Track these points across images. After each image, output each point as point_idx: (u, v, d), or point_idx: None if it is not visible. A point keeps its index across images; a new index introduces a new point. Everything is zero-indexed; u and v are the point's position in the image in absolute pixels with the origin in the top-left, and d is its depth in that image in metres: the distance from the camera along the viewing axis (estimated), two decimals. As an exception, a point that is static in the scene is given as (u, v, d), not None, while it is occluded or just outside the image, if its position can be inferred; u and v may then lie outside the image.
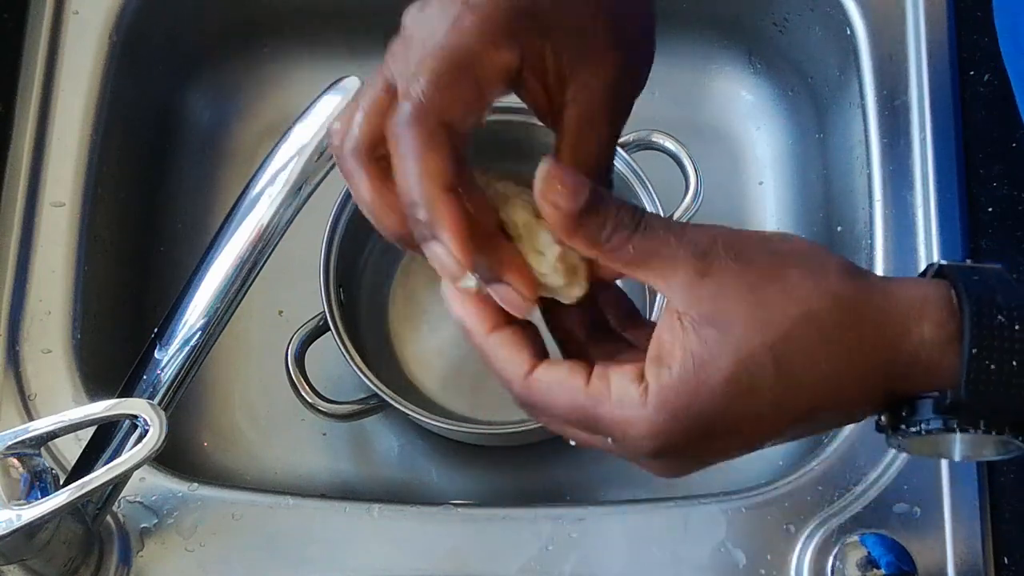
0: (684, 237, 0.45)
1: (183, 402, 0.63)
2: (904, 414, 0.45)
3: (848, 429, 0.69)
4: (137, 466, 0.53)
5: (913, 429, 0.45)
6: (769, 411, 0.44)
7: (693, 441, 0.44)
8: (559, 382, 0.46)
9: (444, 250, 0.44)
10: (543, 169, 0.45)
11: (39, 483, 0.56)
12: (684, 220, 0.78)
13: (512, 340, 0.47)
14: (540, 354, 0.47)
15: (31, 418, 0.71)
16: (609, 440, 0.46)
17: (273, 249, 0.60)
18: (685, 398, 0.43)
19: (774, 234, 0.46)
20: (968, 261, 0.48)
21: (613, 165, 0.51)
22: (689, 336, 0.44)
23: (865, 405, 0.46)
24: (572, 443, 0.48)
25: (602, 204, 0.45)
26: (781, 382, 0.43)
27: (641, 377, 0.44)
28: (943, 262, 0.47)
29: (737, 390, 0.43)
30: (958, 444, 0.46)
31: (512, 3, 0.46)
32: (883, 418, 0.47)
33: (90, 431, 0.61)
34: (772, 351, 0.43)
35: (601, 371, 0.45)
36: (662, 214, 0.76)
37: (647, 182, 0.77)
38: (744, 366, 0.43)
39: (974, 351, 0.43)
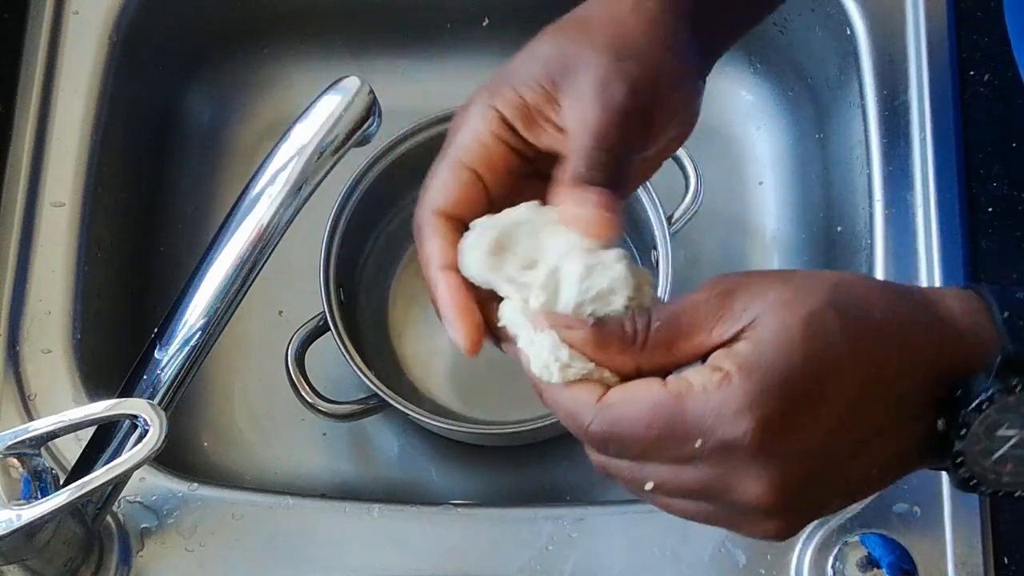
0: (700, 288, 0.46)
1: (183, 402, 0.63)
2: (960, 394, 0.45)
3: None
4: (137, 466, 0.53)
5: (973, 405, 0.44)
6: (847, 361, 0.44)
7: (788, 410, 0.43)
8: (634, 394, 0.45)
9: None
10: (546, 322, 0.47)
11: (39, 483, 0.56)
12: (684, 220, 0.78)
13: (582, 382, 0.47)
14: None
15: (31, 418, 0.71)
16: (702, 471, 0.44)
17: (273, 249, 0.60)
18: (768, 360, 0.43)
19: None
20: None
21: (626, 175, 0.50)
22: (751, 327, 0.44)
23: (925, 365, 0.46)
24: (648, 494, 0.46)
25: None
26: (848, 328, 0.44)
27: (716, 369, 0.44)
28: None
29: (813, 344, 0.43)
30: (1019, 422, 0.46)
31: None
32: (940, 423, 0.46)
33: (90, 431, 0.61)
34: (830, 304, 0.44)
35: (673, 375, 0.45)
36: (662, 214, 0.76)
37: (647, 182, 0.77)
38: (811, 321, 0.44)
39: (1006, 315, 0.45)
